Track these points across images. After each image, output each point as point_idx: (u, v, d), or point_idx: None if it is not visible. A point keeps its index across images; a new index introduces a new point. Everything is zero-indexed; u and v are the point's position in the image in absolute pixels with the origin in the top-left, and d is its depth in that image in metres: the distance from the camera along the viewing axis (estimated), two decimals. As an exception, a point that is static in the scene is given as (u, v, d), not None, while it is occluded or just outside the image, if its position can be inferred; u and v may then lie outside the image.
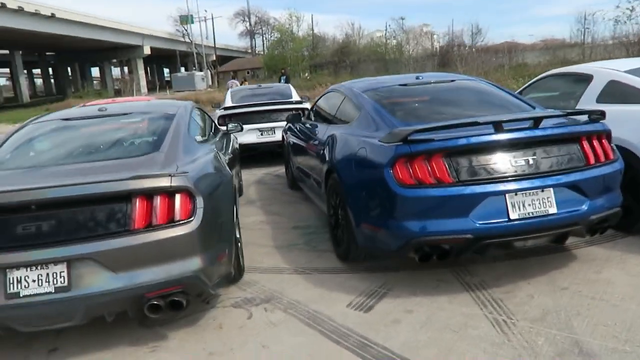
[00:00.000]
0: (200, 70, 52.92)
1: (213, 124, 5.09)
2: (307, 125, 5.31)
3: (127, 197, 2.54)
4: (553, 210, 2.98)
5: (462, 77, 4.44)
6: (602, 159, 3.16)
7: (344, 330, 2.82)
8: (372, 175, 3.13)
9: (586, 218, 3.06)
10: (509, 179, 2.95)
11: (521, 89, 5.52)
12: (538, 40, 46.41)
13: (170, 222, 2.59)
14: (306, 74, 43.86)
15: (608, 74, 4.35)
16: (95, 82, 58.96)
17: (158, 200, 2.58)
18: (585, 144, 3.13)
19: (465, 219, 2.91)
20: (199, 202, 2.69)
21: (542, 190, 2.98)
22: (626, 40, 23.43)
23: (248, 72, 58.80)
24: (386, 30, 51.37)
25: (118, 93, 44.12)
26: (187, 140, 3.42)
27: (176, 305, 2.67)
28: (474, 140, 2.93)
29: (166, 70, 76.87)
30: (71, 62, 57.05)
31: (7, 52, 49.73)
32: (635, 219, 3.88)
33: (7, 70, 61.67)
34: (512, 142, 2.97)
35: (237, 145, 5.72)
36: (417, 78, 4.27)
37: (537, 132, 3.02)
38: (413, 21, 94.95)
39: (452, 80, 4.27)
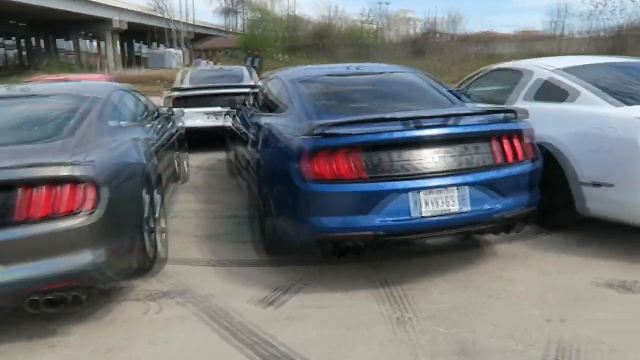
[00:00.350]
0: (176, 48, 51.75)
1: (148, 107, 4.97)
2: (248, 112, 5.23)
3: (18, 185, 2.44)
4: (463, 208, 3.00)
5: (398, 69, 4.41)
6: (519, 157, 3.18)
7: (244, 326, 2.82)
8: (283, 168, 3.11)
9: (498, 216, 3.09)
10: (419, 176, 2.96)
11: (466, 81, 5.52)
12: (517, 31, 46.79)
13: (70, 213, 2.52)
14: (285, 56, 43.31)
15: (544, 72, 4.38)
16: (70, 56, 57.04)
17: (57, 190, 2.49)
18: (500, 143, 3.14)
19: (370, 216, 2.91)
20: (104, 192, 2.62)
21: (453, 188, 3.00)
22: (596, 35, 23.81)
23: (226, 52, 57.96)
24: (368, 15, 51.25)
25: (91, 68, 42.92)
26: (101, 126, 3.32)
27: (75, 300, 2.60)
28: (382, 136, 2.93)
29: (144, 47, 74.97)
30: (43, 34, 55.11)
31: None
32: (555, 217, 3.96)
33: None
34: (423, 139, 2.97)
35: (176, 130, 5.60)
36: (357, 69, 4.21)
37: (450, 130, 3.02)
38: (396, 6, 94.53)
39: (389, 72, 4.23)
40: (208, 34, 66.88)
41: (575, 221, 3.88)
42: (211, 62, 20.00)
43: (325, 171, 2.88)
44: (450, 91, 3.93)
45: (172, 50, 49.20)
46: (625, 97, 3.70)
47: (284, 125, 3.46)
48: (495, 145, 3.13)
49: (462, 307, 2.92)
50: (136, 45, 74.57)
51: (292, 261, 3.60)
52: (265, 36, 46.24)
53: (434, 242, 3.30)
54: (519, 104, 4.48)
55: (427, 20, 45.91)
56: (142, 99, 4.92)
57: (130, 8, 51.07)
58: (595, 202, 3.63)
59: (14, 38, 59.28)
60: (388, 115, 3.01)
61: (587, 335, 2.56)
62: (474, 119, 3.15)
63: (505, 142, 3.16)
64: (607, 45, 21.32)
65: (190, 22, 56.59)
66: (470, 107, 3.55)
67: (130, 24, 51.19)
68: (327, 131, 2.88)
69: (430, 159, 2.98)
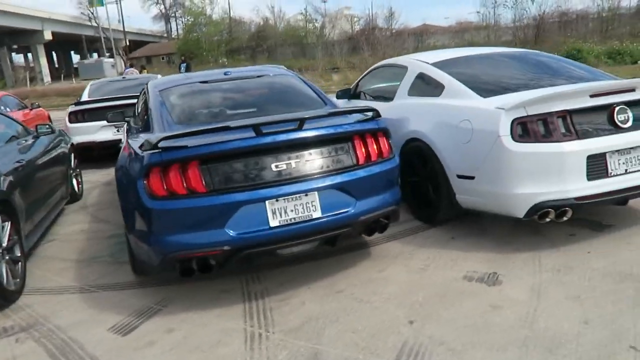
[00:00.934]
0: (111, 57, 50.00)
1: (10, 127, 4.61)
2: (131, 123, 4.97)
3: None
4: (317, 214, 2.89)
5: (275, 71, 4.28)
6: (373, 158, 3.11)
7: (96, 359, 2.59)
8: (130, 186, 2.89)
9: (356, 219, 3.01)
10: (270, 184, 2.82)
11: (359, 79, 5.48)
12: (453, 23, 48.05)
13: None
14: (224, 59, 42.64)
15: (418, 66, 4.36)
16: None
17: None
18: (353, 144, 3.06)
19: (221, 230, 2.75)
20: None
21: (306, 195, 2.88)
22: (519, 24, 24.71)
23: (163, 59, 56.48)
24: (307, 14, 51.20)
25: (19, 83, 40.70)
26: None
27: None
28: (222, 147, 2.76)
29: (76, 57, 71.94)
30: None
31: None
32: (436, 211, 3.94)
33: None
34: (269, 146, 2.83)
35: (57, 149, 5.22)
36: (225, 74, 4.06)
37: (297, 135, 2.89)
38: (335, 4, 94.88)
39: (262, 76, 4.09)
40: (146, 40, 65.05)
41: (458, 214, 3.88)
42: (135, 70, 19.19)
43: (175, 186, 2.69)
44: (318, 94, 3.81)
45: (105, 59, 47.48)
46: (490, 89, 3.71)
47: (137, 139, 3.25)
48: (347, 147, 3.03)
49: (329, 316, 2.79)
50: (76, 57, 71.59)
51: (162, 281, 3.40)
52: (202, 40, 45.37)
53: (304, 250, 3.18)
54: (399, 100, 4.47)
55: (365, 17, 46.43)
56: (5, 120, 4.57)
57: (60, 18, 48.87)
58: (463, 194, 3.62)
59: None
60: (235, 124, 2.86)
61: (438, 336, 2.50)
62: (325, 122, 3.04)
63: (358, 143, 3.07)
64: (529, 33, 22.17)
65: (126, 29, 54.72)
66: (330, 109, 3.45)
67: (58, 34, 49.03)
68: (160, 145, 2.70)
69: (277, 166, 2.84)
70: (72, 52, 71.94)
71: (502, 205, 3.40)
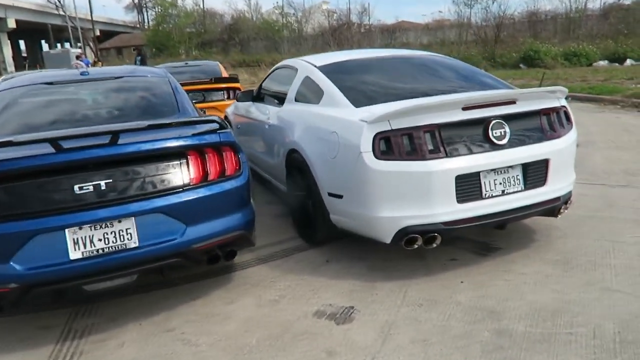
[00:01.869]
0: (78, 47, 48.51)
1: None
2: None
3: None
4: (134, 243, 2.49)
5: (143, 72, 3.84)
6: (214, 176, 2.72)
7: None
8: None
9: (185, 248, 2.61)
10: (71, 210, 2.40)
11: (262, 80, 5.06)
12: (430, 20, 47.77)
13: None
14: (195, 52, 41.66)
15: (305, 70, 3.97)
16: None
17: None
18: (188, 160, 2.65)
19: (6, 265, 2.32)
20: None
21: (119, 221, 2.47)
22: (486, 23, 24.50)
23: (133, 50, 55.10)
24: (282, 7, 50.39)
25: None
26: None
27: None
28: (19, 164, 2.33)
29: (46, 46, 69.74)
30: None
31: None
32: (314, 231, 3.57)
33: None
34: (76, 164, 2.41)
35: None
36: (82, 74, 3.61)
37: (112, 151, 2.47)
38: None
39: (118, 77, 3.64)
40: (117, 31, 63.41)
41: (337, 235, 3.50)
42: (83, 63, 18.29)
43: None
44: (177, 100, 3.37)
45: (72, 49, 46.05)
46: (368, 97, 3.34)
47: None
48: (178, 164, 2.62)
49: (145, 362, 2.42)
50: (46, 46, 69.38)
51: None
52: (173, 32, 44.38)
53: (120, 284, 2.74)
54: (286, 105, 4.08)
55: (340, 12, 45.81)
56: None
57: (22, 5, 47.24)
58: (335, 214, 3.26)
59: None
60: (26, 137, 2.42)
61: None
62: (151, 135, 2.61)
63: (194, 159, 2.67)
64: (490, 32, 21.97)
65: (95, 19, 53.18)
66: (174, 118, 3.03)
67: (23, 22, 47.41)
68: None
69: (82, 188, 2.40)
70: (42, 42, 69.78)
71: (369, 229, 3.05)
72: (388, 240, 2.96)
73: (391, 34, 37.58)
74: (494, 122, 2.94)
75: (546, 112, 3.17)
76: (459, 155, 2.87)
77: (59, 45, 59.89)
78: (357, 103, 3.25)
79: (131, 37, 57.52)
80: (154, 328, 2.71)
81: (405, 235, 2.89)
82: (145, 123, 2.57)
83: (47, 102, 3.27)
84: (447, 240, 3.16)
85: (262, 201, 4.47)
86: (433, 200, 2.84)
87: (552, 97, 3.22)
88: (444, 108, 2.88)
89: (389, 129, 2.83)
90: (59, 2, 48.85)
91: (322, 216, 3.39)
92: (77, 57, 18.74)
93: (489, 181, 2.94)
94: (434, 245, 2.95)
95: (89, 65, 19.65)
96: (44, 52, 50.52)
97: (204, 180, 2.68)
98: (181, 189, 2.61)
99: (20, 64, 50.64)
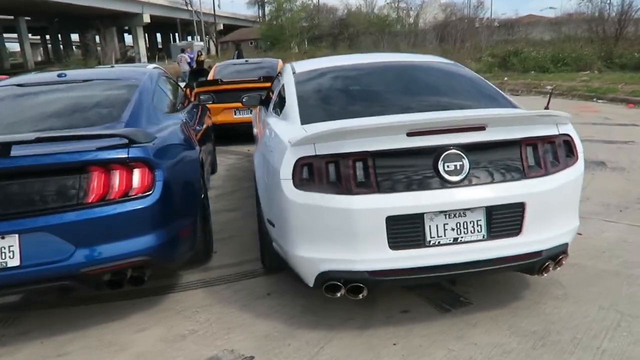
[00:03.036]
0: (201, 40, 52.09)
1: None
2: None
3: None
4: (15, 262, 2.36)
5: (120, 73, 3.74)
6: (116, 194, 2.49)
7: None
8: None
9: (74, 271, 2.43)
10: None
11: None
12: (557, 15, 43.57)
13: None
14: (306, 47, 42.55)
15: (286, 76, 3.58)
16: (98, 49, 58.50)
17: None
18: (88, 176, 2.44)
19: None
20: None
21: (2, 237, 2.35)
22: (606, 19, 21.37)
23: (251, 43, 57.73)
24: (398, 1, 49.48)
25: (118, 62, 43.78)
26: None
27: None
28: None
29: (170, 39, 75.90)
30: (72, 29, 56.78)
31: (12, 17, 49.95)
32: (263, 256, 3.22)
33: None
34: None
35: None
36: (59, 76, 3.61)
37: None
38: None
39: (87, 80, 3.57)
40: (237, 25, 66.99)
41: (283, 263, 3.10)
42: (187, 57, 19.31)
43: None
44: (129, 109, 3.16)
45: (195, 42, 49.52)
46: (322, 112, 2.90)
47: None
48: (75, 180, 2.41)
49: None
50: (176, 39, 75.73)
51: None
52: (285, 26, 45.63)
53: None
54: (267, 115, 3.74)
55: (458, 6, 43.76)
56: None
57: (155, 2, 51.75)
58: (275, 243, 2.86)
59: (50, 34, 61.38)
60: None
61: None
62: (47, 148, 2.45)
63: (96, 175, 2.45)
64: (613, 28, 19.09)
65: (219, 13, 56.67)
66: (103, 129, 2.83)
67: (156, 17, 51.94)
68: None
69: None
70: (173, 35, 76.06)
71: (294, 267, 2.63)
72: (311, 284, 2.52)
73: (509, 29, 34.86)
74: (448, 152, 2.35)
75: (532, 142, 2.48)
76: (395, 191, 2.33)
77: (189, 38, 64.86)
78: (306, 119, 2.83)
79: (249, 31, 60.34)
80: (49, 350, 2.58)
81: (326, 281, 2.44)
82: (34, 136, 2.41)
83: (13, 105, 3.28)
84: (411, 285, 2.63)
85: (252, 214, 4.19)
86: (358, 244, 2.35)
87: (548, 123, 2.52)
88: (382, 132, 2.36)
89: (313, 154, 2.39)
90: (188, -1, 52.81)
91: (265, 242, 3.03)
92: (182, 51, 19.85)
93: (437, 225, 2.36)
94: (360, 296, 2.45)
95: (193, 58, 20.78)
96: (172, 45, 55.08)
97: (102, 199, 2.47)
98: (73, 207, 2.43)
99: (154, 55, 55.53)
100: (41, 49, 71.82)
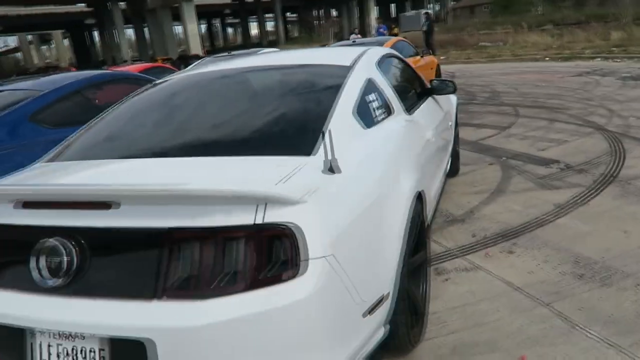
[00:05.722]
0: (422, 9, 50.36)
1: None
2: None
3: None
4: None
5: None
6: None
7: None
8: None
9: None
10: None
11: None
12: None
13: None
14: (538, 9, 37.10)
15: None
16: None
17: None
18: None
19: None
20: None
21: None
22: None
23: (485, 7, 53.03)
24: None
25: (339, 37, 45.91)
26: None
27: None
28: None
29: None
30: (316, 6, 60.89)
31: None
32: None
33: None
34: None
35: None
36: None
37: None
38: None
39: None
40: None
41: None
42: (359, 36, 18.31)
43: None
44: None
45: (422, 11, 48.13)
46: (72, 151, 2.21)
47: None
48: None
49: None
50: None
51: None
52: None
53: None
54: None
55: None
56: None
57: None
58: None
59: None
60: None
61: None
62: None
63: None
64: None
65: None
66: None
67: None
68: None
69: None
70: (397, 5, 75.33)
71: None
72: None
73: None
74: (45, 241, 1.49)
75: (188, 235, 1.39)
76: (-9, 286, 1.59)
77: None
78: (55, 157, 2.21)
79: (481, -6, 55.61)
80: None
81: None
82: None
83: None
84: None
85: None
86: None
87: (241, 204, 1.38)
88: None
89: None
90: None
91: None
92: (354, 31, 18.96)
93: (44, 347, 1.54)
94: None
95: (386, 31, 19.98)
96: (400, 15, 54.75)
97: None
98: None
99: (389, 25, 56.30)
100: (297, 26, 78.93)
